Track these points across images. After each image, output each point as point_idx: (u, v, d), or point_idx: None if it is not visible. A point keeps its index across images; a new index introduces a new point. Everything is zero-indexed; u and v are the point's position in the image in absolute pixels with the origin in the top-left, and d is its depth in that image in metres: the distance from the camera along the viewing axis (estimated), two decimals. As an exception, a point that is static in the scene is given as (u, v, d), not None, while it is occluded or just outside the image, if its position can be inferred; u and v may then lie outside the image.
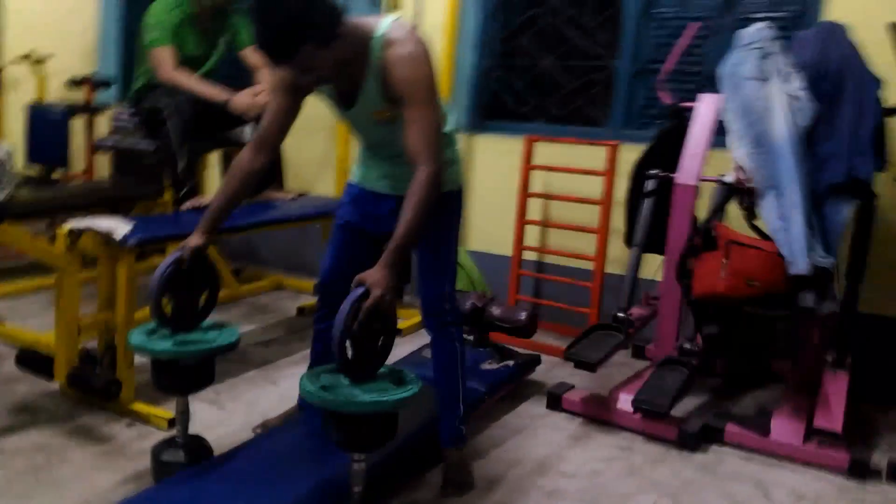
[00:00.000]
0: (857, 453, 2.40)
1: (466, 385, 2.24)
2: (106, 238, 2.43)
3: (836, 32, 2.62)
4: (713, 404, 2.88)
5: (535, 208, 3.70)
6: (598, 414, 2.71)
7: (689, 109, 2.87)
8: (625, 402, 2.65)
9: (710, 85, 3.22)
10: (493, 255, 3.84)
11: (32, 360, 2.61)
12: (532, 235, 3.74)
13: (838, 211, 2.40)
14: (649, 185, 2.88)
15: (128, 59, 4.98)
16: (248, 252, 4.58)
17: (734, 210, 2.78)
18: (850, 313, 2.68)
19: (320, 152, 4.37)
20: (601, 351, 2.70)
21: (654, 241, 2.86)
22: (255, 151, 2.03)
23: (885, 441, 2.66)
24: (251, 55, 3.40)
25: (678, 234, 2.66)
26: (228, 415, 2.60)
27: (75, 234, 2.45)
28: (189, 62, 3.30)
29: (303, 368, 2.14)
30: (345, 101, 1.96)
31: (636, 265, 2.87)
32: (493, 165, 3.88)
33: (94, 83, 4.69)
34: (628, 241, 3.03)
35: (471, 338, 2.94)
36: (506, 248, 3.71)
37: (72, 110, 4.46)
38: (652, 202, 2.88)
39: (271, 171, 3.42)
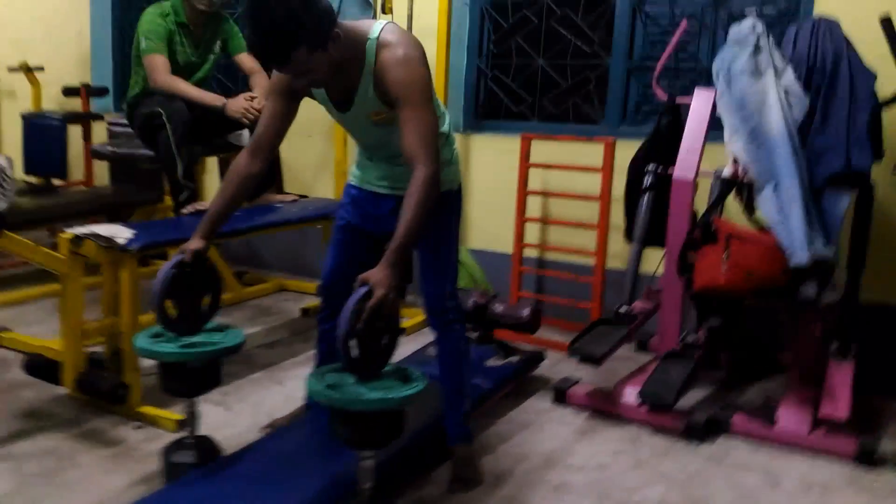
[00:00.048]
0: (864, 441, 2.41)
1: (471, 382, 2.25)
2: (108, 244, 2.44)
3: (829, 27, 2.63)
4: (718, 396, 2.89)
5: (534, 206, 3.71)
6: (603, 407, 2.72)
7: (685, 105, 2.89)
8: (630, 395, 2.66)
9: (704, 80, 3.25)
10: (494, 253, 3.85)
11: (39, 365, 2.62)
12: (532, 233, 3.75)
13: (837, 202, 2.42)
14: (648, 180, 2.90)
15: (122, 67, 4.99)
16: (249, 255, 4.59)
17: (735, 205, 2.80)
18: (853, 303, 2.69)
19: (318, 155, 4.38)
20: (605, 345, 2.72)
21: (654, 235, 2.87)
22: (252, 155, 2.04)
23: (892, 428, 2.67)
24: (246, 60, 3.41)
25: (677, 229, 2.68)
26: (235, 416, 2.61)
27: (78, 241, 2.46)
28: (182, 69, 3.31)
29: (308, 369, 2.15)
30: (341, 103, 1.97)
31: (637, 260, 2.89)
32: (490, 165, 3.90)
33: (89, 91, 4.70)
34: (628, 235, 3.04)
35: (474, 335, 2.95)
36: (506, 246, 3.72)
37: (69, 119, 4.46)
38: (651, 197, 2.89)
39: (269, 175, 3.44)
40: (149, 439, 2.39)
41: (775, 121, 2.44)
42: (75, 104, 4.73)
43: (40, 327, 3.26)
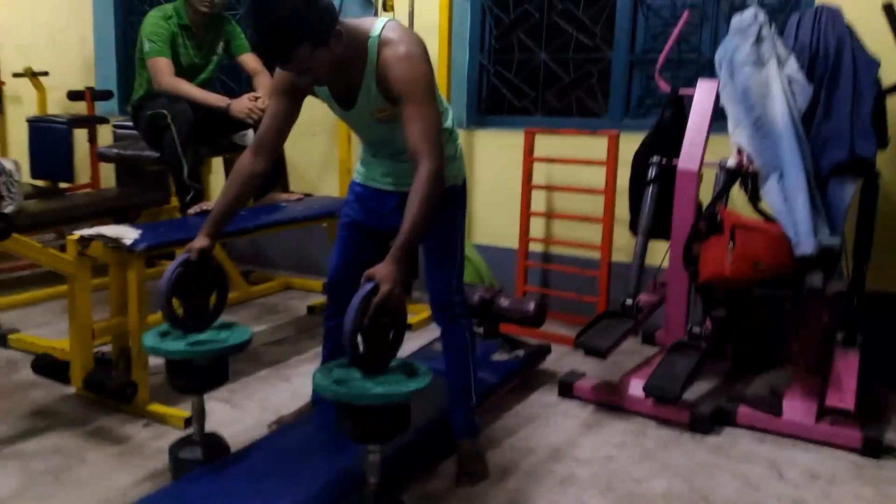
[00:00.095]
0: (870, 431, 2.41)
1: (478, 376, 2.26)
2: (115, 245, 2.46)
3: (831, 15, 2.63)
4: (724, 387, 2.89)
5: (538, 200, 3.71)
6: (609, 400, 2.72)
7: (688, 96, 2.88)
8: (636, 387, 2.66)
9: (706, 71, 3.25)
10: (500, 248, 3.86)
11: (48, 365, 2.64)
12: (537, 227, 3.75)
13: (842, 191, 2.41)
14: (652, 172, 2.90)
15: (126, 70, 5.02)
16: (254, 254, 4.61)
17: (740, 195, 2.80)
18: (859, 292, 2.69)
19: (322, 154, 4.39)
20: (611, 338, 2.71)
21: (659, 227, 2.87)
22: (256, 155, 2.05)
23: (897, 418, 2.66)
24: (249, 61, 3.43)
25: (682, 221, 2.68)
26: (242, 413, 2.63)
27: (85, 242, 2.48)
28: (186, 71, 3.33)
29: (315, 366, 2.16)
30: (345, 101, 1.98)
31: (642, 252, 2.89)
32: (494, 160, 3.90)
33: (93, 95, 4.72)
34: (633, 228, 3.04)
35: (480, 330, 2.96)
36: (511, 241, 3.72)
37: (74, 122, 4.49)
38: (655, 189, 2.89)
39: (274, 174, 3.45)
40: (156, 437, 2.41)
41: (779, 110, 2.43)
42: (80, 108, 4.76)
43: (48, 329, 3.29)
